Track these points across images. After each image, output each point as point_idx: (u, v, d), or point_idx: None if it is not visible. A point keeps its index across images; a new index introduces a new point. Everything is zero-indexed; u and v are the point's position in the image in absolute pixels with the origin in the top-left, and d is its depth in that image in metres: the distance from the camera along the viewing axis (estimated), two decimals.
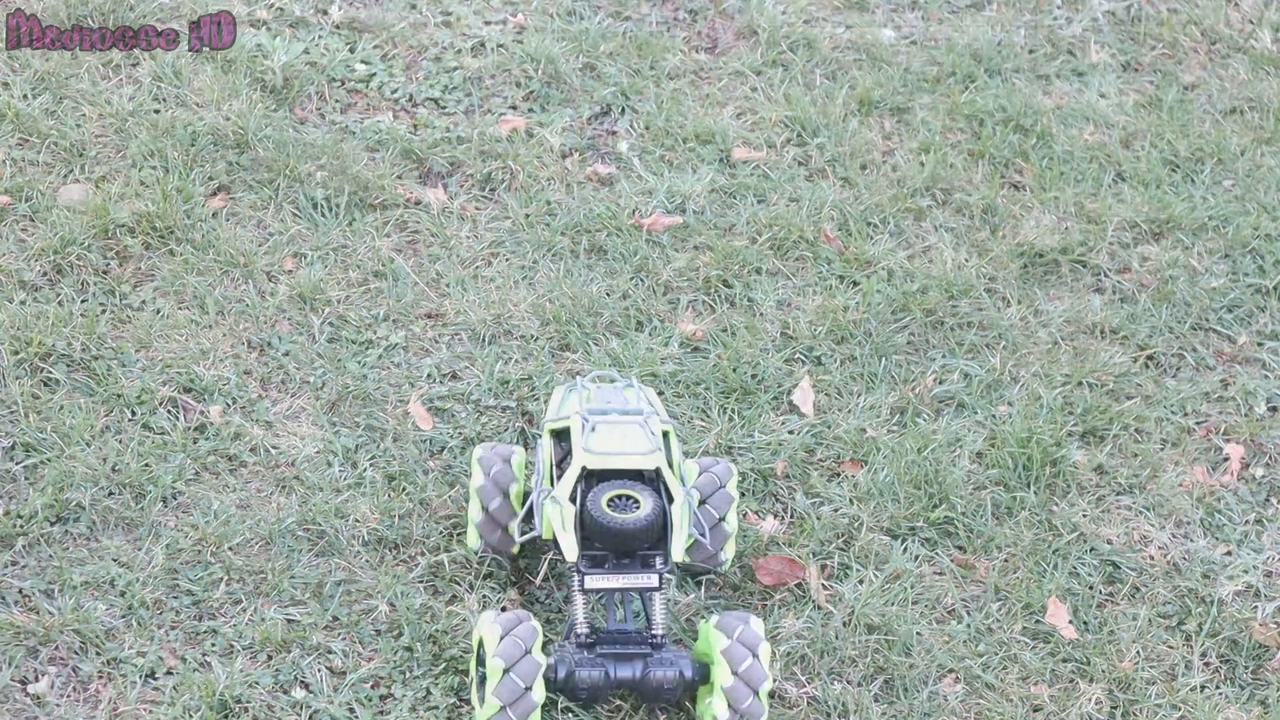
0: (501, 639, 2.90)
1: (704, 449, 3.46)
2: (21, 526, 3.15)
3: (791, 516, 3.40)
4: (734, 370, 3.62)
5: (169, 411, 3.39)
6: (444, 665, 3.07)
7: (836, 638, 3.19)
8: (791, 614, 3.21)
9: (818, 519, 3.37)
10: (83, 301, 3.54)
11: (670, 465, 3.10)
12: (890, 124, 4.26)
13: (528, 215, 3.88)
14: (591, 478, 3.02)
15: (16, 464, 3.25)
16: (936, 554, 3.36)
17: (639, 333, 3.66)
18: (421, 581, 3.19)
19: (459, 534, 3.26)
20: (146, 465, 3.28)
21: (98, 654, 3.01)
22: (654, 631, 3.02)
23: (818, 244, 3.91)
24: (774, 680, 3.08)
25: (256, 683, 3.00)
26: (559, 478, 3.09)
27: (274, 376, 3.50)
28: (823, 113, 4.22)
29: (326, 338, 3.58)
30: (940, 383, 3.67)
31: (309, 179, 3.84)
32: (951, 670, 3.18)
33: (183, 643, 3.05)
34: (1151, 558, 3.41)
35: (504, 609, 3.12)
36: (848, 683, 3.13)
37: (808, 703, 3.09)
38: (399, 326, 3.62)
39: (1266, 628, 3.30)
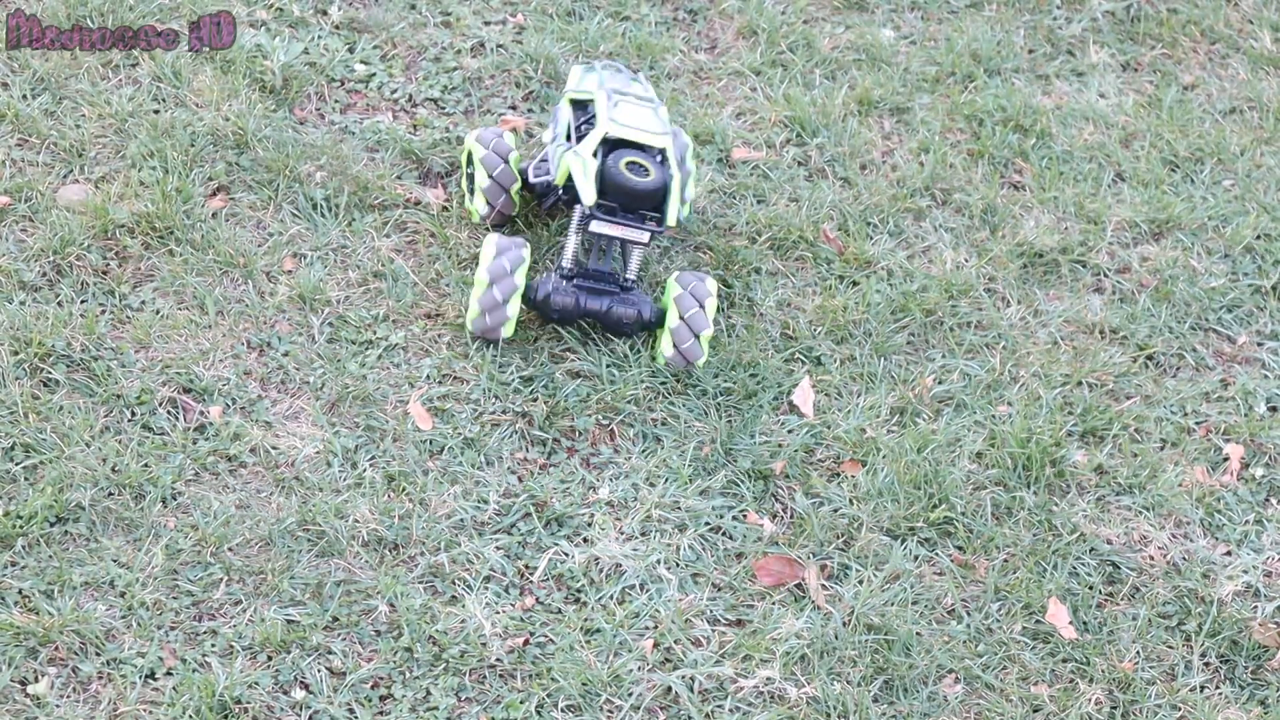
0: (494, 259, 3.49)
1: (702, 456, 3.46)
2: (21, 526, 3.15)
3: (791, 517, 3.40)
4: (734, 370, 3.62)
5: (169, 412, 3.39)
6: (444, 665, 3.07)
7: (836, 638, 3.18)
8: (791, 614, 3.21)
9: (817, 519, 3.37)
10: (82, 302, 3.54)
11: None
12: (890, 124, 4.26)
13: (527, 215, 3.88)
14: (607, 144, 3.57)
15: (16, 464, 3.25)
16: (936, 554, 3.36)
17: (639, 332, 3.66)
18: (421, 581, 3.19)
19: (459, 534, 3.26)
20: (146, 465, 3.28)
21: (98, 654, 3.01)
22: (628, 276, 3.60)
23: (817, 244, 3.91)
24: (714, 329, 3.57)
25: (256, 683, 3.00)
26: (578, 139, 3.64)
27: (274, 377, 3.50)
28: (822, 113, 4.21)
29: (326, 338, 3.58)
30: (940, 383, 3.67)
31: (309, 179, 3.84)
32: (951, 670, 3.18)
33: (183, 643, 3.05)
34: (1151, 558, 3.41)
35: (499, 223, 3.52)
36: (848, 683, 3.13)
37: (808, 703, 3.09)
38: (399, 326, 3.62)
39: (1266, 628, 3.30)
